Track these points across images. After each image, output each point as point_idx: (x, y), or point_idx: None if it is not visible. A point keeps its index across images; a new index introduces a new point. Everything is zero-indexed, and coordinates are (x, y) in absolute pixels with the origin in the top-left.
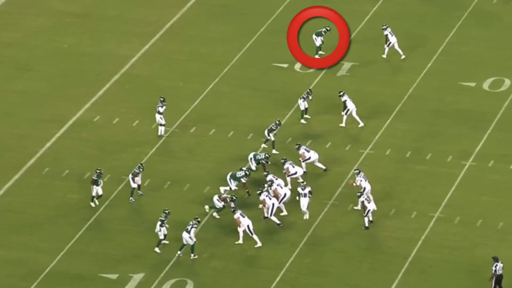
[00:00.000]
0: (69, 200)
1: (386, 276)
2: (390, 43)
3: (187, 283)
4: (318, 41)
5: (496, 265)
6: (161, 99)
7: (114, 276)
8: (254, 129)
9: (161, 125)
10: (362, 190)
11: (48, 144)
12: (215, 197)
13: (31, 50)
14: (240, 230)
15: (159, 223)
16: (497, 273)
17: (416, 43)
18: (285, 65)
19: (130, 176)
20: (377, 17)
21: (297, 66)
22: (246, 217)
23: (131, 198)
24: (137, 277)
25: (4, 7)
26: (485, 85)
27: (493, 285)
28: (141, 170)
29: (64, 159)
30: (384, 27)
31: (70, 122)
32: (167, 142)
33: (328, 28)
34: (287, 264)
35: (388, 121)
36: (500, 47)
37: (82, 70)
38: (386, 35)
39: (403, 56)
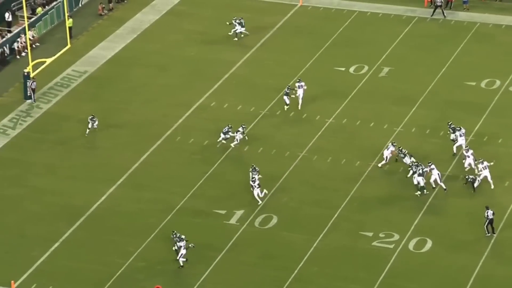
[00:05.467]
0: (193, 160)
1: (411, 215)
2: (236, 29)
3: (273, 217)
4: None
5: (488, 212)
6: (91, 116)
7: (223, 212)
8: (320, 113)
9: (90, 127)
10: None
11: (180, 121)
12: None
13: (169, 56)
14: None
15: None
16: (489, 217)
17: (434, 54)
18: (343, 69)
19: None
20: (407, 35)
21: (351, 69)
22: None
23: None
24: (239, 212)
25: (151, 27)
26: (482, 84)
27: (485, 226)
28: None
29: (190, 131)
30: (234, 18)
31: (194, 106)
32: (260, 121)
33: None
34: (343, 205)
35: (414, 108)
36: (493, 58)
37: (203, 71)
38: (235, 24)
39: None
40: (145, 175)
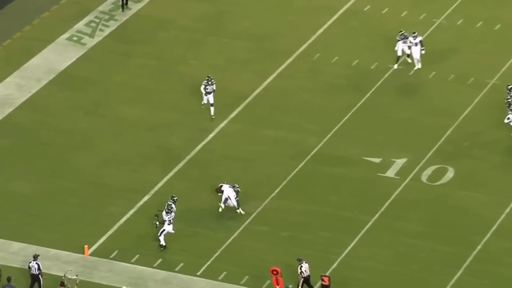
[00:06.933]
0: (336, 85)
1: None
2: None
3: (448, 169)
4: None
5: None
6: (206, 79)
7: (377, 160)
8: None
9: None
10: None
11: (319, 31)
12: None
13: None
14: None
15: None
16: None
17: None
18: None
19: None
20: None
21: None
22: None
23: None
24: (400, 162)
25: None
26: None
27: None
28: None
29: (333, 46)
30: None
31: (341, 11)
32: (434, 33)
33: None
34: None
35: None
36: None
37: None
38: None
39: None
40: (269, 106)
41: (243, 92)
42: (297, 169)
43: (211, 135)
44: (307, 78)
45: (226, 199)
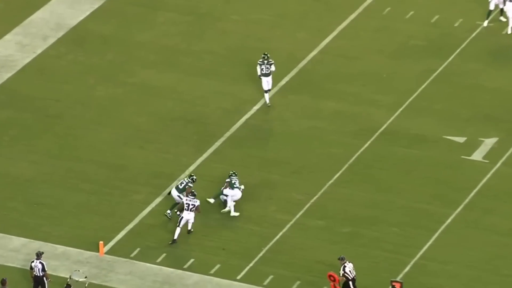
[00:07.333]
0: (412, 47)
1: None
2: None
3: None
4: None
5: None
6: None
7: (461, 139)
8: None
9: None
10: None
11: None
12: None
13: None
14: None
15: None
16: None
17: None
18: None
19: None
20: None
21: None
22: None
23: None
24: (489, 142)
25: None
26: None
27: None
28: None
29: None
30: None
31: None
32: None
33: None
34: None
35: None
36: None
37: None
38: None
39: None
40: (327, 73)
41: (296, 55)
42: (361, 149)
43: (255, 108)
44: (374, 38)
45: (222, 194)
